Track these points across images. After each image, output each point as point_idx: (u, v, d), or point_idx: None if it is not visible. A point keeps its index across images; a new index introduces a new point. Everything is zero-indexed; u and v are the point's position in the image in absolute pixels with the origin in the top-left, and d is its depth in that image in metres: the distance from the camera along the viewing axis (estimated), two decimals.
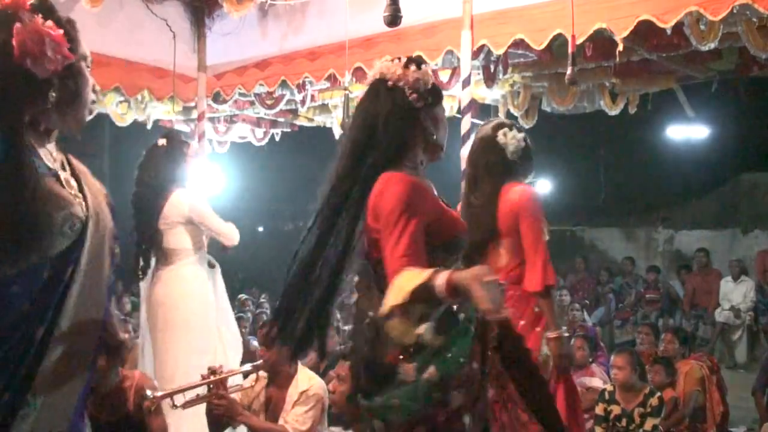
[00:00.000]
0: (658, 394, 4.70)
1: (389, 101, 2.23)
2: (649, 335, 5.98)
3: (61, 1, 4.69)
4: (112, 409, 4.08)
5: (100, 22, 4.97)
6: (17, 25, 1.84)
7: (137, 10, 5.20)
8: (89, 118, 2.11)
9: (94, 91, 2.06)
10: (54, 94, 1.91)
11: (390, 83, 2.23)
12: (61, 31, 1.90)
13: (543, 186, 12.25)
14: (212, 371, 3.72)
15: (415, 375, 2.08)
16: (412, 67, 2.24)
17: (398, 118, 2.22)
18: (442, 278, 1.86)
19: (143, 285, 4.63)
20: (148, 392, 3.62)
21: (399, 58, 2.28)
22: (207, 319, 4.50)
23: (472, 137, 4.41)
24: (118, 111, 6.40)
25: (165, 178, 4.44)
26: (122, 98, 5.98)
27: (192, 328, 4.33)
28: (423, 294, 1.90)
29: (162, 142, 4.52)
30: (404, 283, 1.95)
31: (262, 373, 3.90)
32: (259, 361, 3.84)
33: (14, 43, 1.83)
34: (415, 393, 2.08)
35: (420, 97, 2.23)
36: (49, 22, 1.89)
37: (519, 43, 4.32)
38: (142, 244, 4.49)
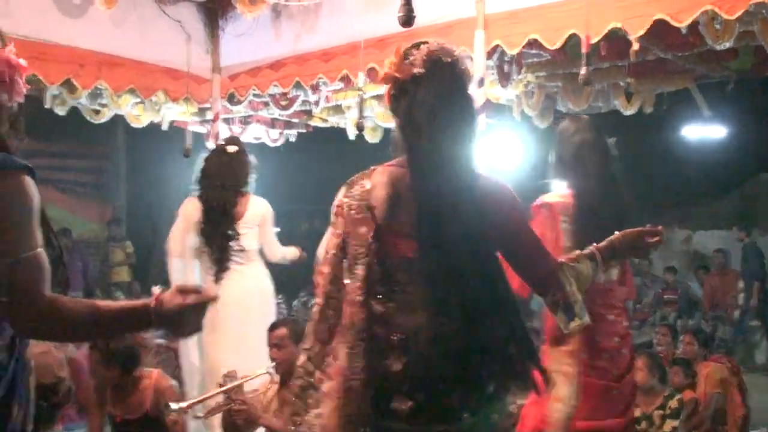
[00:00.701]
0: (678, 396, 4.68)
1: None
2: (666, 336, 5.96)
3: (76, 3, 4.79)
4: (130, 408, 4.11)
5: (114, 24, 5.02)
6: None
7: (151, 12, 5.24)
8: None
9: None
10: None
11: None
12: (24, 62, 1.90)
13: (561, 187, 12.19)
14: (228, 377, 3.74)
15: None
16: None
17: None
18: None
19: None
20: (172, 405, 3.63)
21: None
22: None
23: (486, 137, 4.43)
24: (134, 112, 6.42)
25: (242, 182, 4.83)
26: (137, 100, 6.01)
27: (268, 322, 4.41)
28: None
29: (233, 148, 4.86)
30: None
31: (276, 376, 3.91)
32: (272, 364, 3.85)
33: None
34: None
35: None
36: (10, 47, 1.89)
37: (533, 43, 4.30)
38: (220, 245, 4.72)
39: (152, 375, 4.24)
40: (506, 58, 5.20)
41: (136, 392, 4.13)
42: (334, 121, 7.32)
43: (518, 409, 2.81)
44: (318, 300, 2.35)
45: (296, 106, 6.10)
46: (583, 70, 3.72)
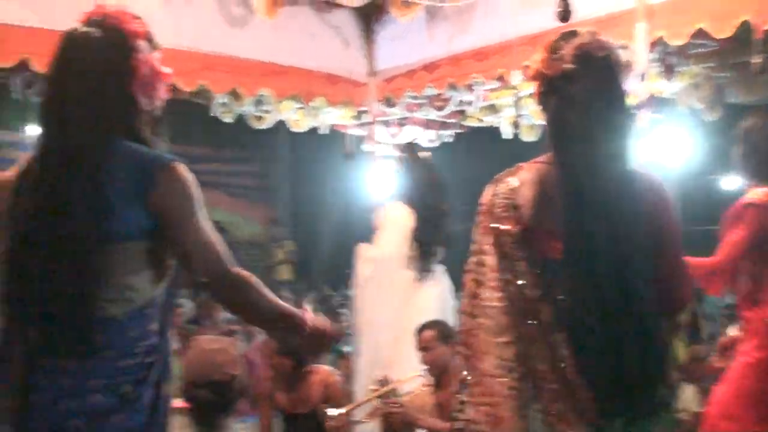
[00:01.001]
0: None
1: None
2: None
3: (236, 16, 5.02)
4: (299, 403, 4.27)
5: (275, 33, 5.21)
6: (138, 56, 1.93)
7: (310, 20, 5.42)
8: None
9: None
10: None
11: None
12: (168, 69, 2.02)
13: (731, 182, 11.51)
14: (381, 382, 3.81)
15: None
16: None
17: None
18: None
19: None
20: (329, 411, 3.73)
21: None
22: None
23: (650, 133, 4.24)
24: (295, 117, 6.65)
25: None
26: (298, 105, 6.22)
27: None
28: None
29: (427, 154, 5.15)
30: None
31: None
32: (425, 368, 3.86)
33: (135, 76, 1.92)
34: None
35: None
36: (157, 54, 1.99)
37: (699, 33, 4.07)
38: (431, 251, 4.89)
39: (321, 371, 4.38)
40: (670, 50, 4.95)
41: (305, 387, 4.29)
42: (489, 120, 7.25)
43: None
44: (464, 300, 2.32)
45: (451, 107, 6.08)
46: (755, 59, 3.48)
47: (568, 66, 2.12)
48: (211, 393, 2.69)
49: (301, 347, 2.10)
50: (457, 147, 8.19)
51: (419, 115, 6.94)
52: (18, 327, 1.87)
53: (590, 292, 2.04)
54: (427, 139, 7.60)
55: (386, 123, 7.06)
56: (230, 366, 2.75)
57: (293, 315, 2.06)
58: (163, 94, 2.02)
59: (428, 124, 7.35)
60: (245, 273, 2.01)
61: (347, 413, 3.78)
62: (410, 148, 5.10)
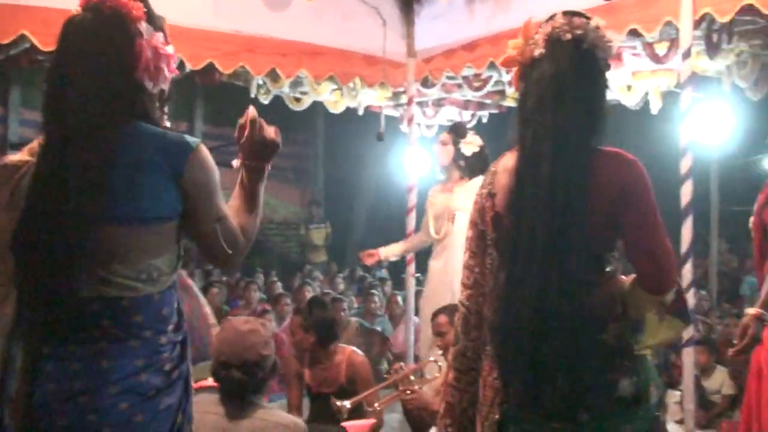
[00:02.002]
0: None
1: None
2: None
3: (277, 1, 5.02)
4: (326, 382, 4.31)
5: (314, 14, 5.22)
6: (140, 41, 1.90)
7: (349, 1, 5.38)
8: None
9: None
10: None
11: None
12: (171, 48, 1.99)
13: None
14: (395, 369, 3.83)
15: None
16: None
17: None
18: None
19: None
20: (338, 402, 3.75)
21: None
22: None
23: (692, 112, 4.17)
24: (332, 98, 6.66)
25: None
26: (335, 86, 6.22)
27: None
28: None
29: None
30: None
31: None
32: (440, 353, 3.87)
33: (138, 60, 1.90)
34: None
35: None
36: (159, 35, 1.96)
37: (747, 9, 3.98)
38: None
39: (346, 351, 4.42)
40: (715, 27, 4.85)
41: (331, 366, 4.34)
42: None
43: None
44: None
45: (489, 87, 6.04)
46: None
47: (539, 51, 2.09)
48: (242, 373, 2.72)
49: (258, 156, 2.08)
50: (492, 128, 8.15)
51: (456, 95, 6.91)
52: (33, 314, 1.84)
53: (520, 274, 2.03)
54: (464, 119, 7.57)
55: (423, 104, 7.05)
56: (262, 346, 2.78)
57: (240, 181, 2.12)
58: (169, 74, 1.99)
59: (466, 105, 7.31)
60: (239, 228, 2.05)
61: (354, 403, 3.80)
62: (459, 129, 5.02)
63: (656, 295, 2.07)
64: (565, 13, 2.12)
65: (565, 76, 2.05)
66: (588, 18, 2.12)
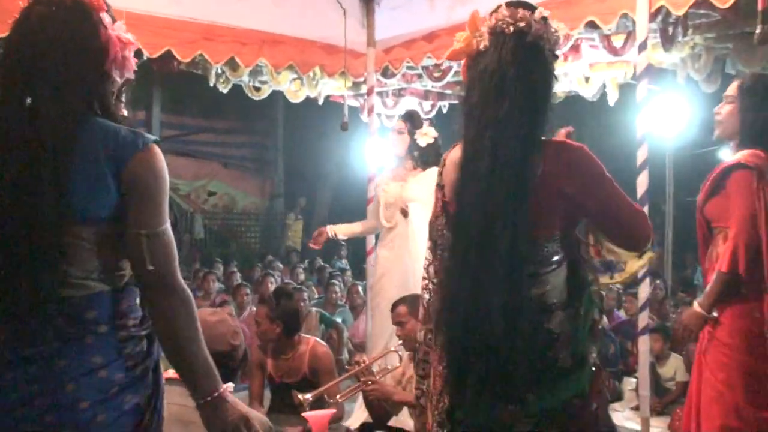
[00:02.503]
0: None
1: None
2: None
3: None
4: (288, 372, 4.31)
5: (275, 3, 5.18)
6: (108, 33, 1.85)
7: None
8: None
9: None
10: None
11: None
12: (133, 37, 1.92)
13: (726, 154, 11.54)
14: (357, 361, 3.84)
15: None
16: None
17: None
18: None
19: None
20: (299, 395, 3.75)
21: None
22: None
23: (648, 104, 4.23)
24: (292, 88, 6.62)
25: None
26: (295, 76, 6.18)
27: None
28: None
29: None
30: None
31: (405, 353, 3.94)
32: (399, 342, 3.89)
33: (107, 51, 1.84)
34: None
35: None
36: (119, 24, 1.90)
37: (701, 3, 4.05)
38: None
39: (309, 341, 4.42)
40: (671, 20, 4.93)
41: (294, 357, 4.33)
42: None
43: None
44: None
45: (449, 77, 6.06)
46: (758, 29, 3.46)
47: (484, 44, 2.10)
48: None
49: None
50: (453, 118, 8.18)
51: (417, 85, 6.92)
52: None
53: (460, 264, 2.07)
54: (424, 110, 7.59)
55: (383, 94, 7.05)
56: (231, 336, 2.76)
57: (206, 379, 1.92)
58: (132, 64, 1.92)
59: (426, 95, 7.33)
60: (188, 293, 1.88)
61: (315, 396, 3.80)
62: (415, 119, 5.02)
63: (639, 251, 2.18)
64: (509, 5, 2.13)
65: (507, 68, 2.05)
66: (533, 9, 2.13)
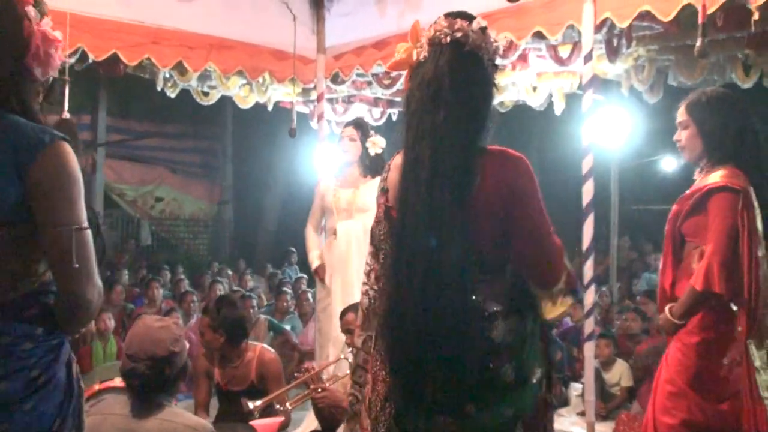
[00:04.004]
0: None
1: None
2: None
3: None
4: (235, 380, 4.26)
5: (225, 7, 5.14)
6: (32, 28, 1.80)
7: None
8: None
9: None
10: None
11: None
12: (60, 34, 1.87)
13: (668, 164, 11.82)
14: (306, 369, 3.83)
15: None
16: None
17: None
18: None
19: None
20: (249, 403, 3.72)
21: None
22: None
23: (594, 114, 4.31)
24: (241, 94, 6.58)
25: None
26: (245, 81, 6.14)
27: None
28: None
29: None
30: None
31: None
32: (349, 350, 3.89)
33: (28, 45, 1.79)
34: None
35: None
36: (47, 20, 1.86)
37: (645, 15, 4.14)
38: None
39: (257, 348, 4.38)
40: (615, 32, 5.04)
41: (241, 364, 4.29)
42: None
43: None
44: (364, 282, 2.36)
45: (399, 85, 6.09)
46: (698, 42, 3.55)
47: (423, 54, 2.13)
48: (148, 368, 2.65)
49: None
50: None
51: (367, 92, 6.94)
52: None
53: (403, 270, 2.07)
54: (374, 117, 7.61)
55: (333, 101, 7.04)
56: (171, 343, 2.72)
57: None
58: (57, 62, 1.87)
59: (376, 102, 7.35)
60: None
61: (264, 404, 3.78)
62: (364, 127, 5.02)
63: (546, 289, 2.14)
64: (447, 16, 2.15)
65: (443, 78, 2.07)
66: (471, 19, 2.15)
